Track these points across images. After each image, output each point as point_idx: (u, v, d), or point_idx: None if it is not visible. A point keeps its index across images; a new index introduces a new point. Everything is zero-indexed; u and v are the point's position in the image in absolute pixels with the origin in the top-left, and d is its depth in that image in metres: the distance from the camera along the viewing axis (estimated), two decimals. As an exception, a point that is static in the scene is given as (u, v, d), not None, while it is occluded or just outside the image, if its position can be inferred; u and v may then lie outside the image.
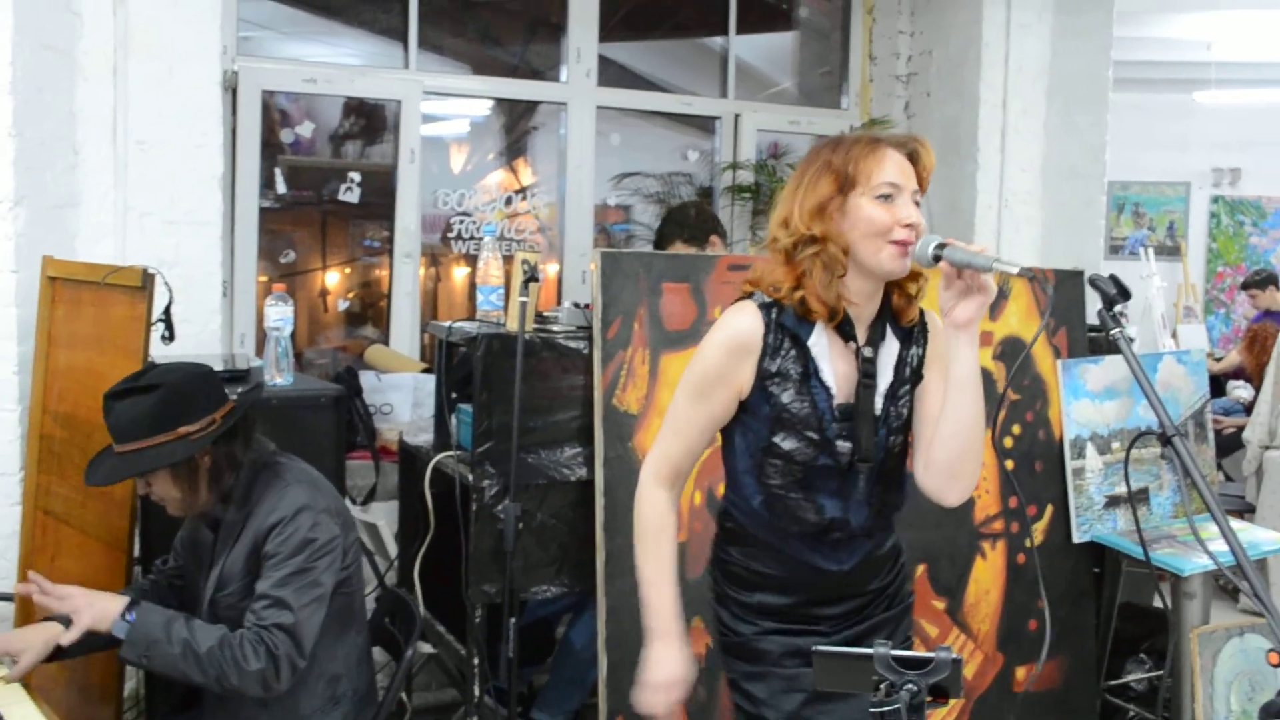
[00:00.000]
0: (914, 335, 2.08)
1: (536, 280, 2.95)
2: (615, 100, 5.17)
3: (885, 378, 2.03)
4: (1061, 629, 3.72)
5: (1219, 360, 7.81)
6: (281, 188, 4.63)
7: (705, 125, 5.54)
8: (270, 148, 4.61)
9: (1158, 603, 4.30)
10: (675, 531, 2.12)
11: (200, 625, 2.33)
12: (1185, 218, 9.02)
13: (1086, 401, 3.75)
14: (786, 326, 1.98)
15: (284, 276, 4.79)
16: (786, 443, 1.99)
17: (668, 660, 2.06)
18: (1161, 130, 8.62)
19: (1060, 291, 3.80)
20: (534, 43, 5.41)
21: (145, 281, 2.97)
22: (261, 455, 2.55)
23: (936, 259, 1.87)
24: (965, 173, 5.19)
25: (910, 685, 1.33)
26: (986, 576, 3.62)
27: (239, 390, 2.73)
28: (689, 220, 4.08)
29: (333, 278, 5.10)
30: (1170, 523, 3.85)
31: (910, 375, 2.07)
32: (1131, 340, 1.71)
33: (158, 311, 3.09)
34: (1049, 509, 3.72)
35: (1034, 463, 3.70)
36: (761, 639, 2.08)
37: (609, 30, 5.26)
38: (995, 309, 3.65)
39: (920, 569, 3.49)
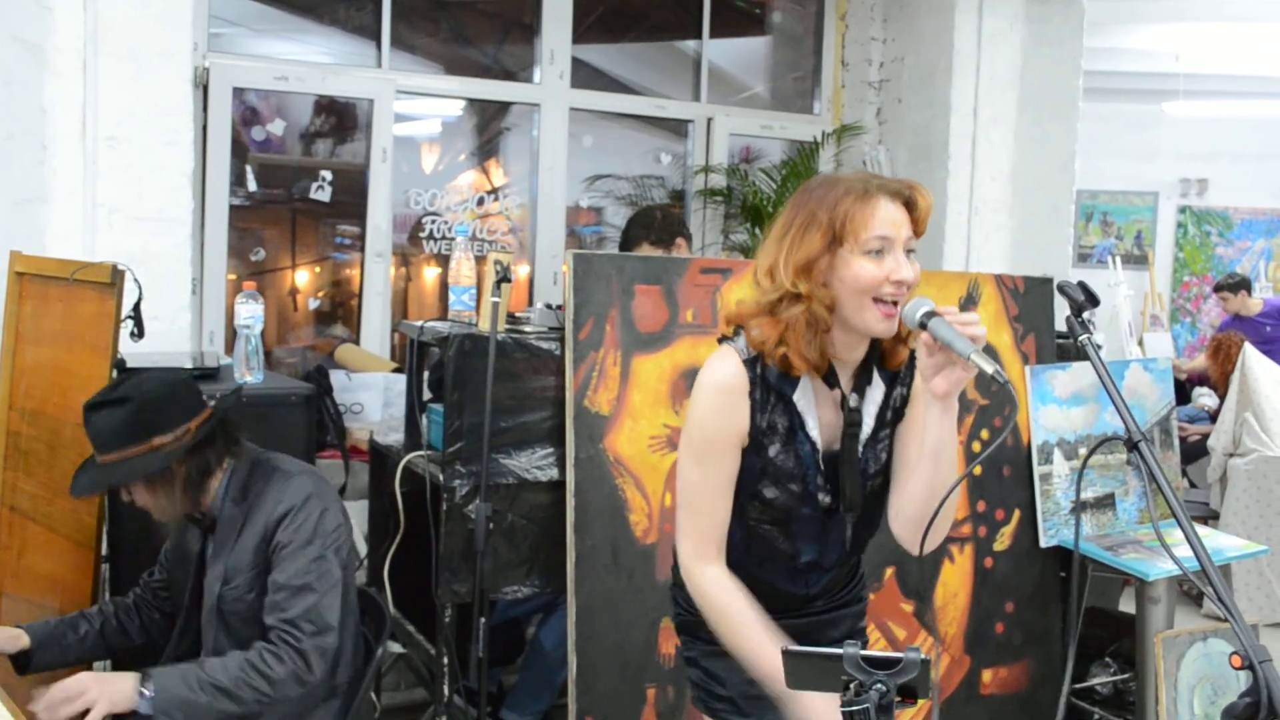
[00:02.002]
0: (900, 375, 2.05)
1: (509, 281, 2.95)
2: (588, 102, 5.18)
3: (868, 426, 2.01)
4: (1028, 632, 3.75)
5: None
6: (252, 185, 4.60)
7: (678, 129, 5.56)
8: (242, 145, 4.59)
9: (1125, 607, 4.36)
10: (748, 598, 2.01)
11: (212, 662, 2.32)
12: (1153, 227, 9.12)
13: (1054, 407, 3.78)
14: (769, 383, 1.95)
15: (254, 274, 4.77)
16: (769, 491, 1.98)
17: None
18: (1130, 140, 8.70)
19: (1029, 298, 3.83)
20: (507, 44, 5.41)
21: (115, 278, 2.95)
22: (250, 453, 2.54)
23: (922, 326, 1.80)
24: (936, 180, 5.23)
25: (879, 685, 1.34)
26: (955, 579, 3.64)
27: (215, 394, 2.71)
28: (655, 223, 4.08)
29: (303, 276, 5.07)
30: (1136, 528, 3.90)
31: (892, 418, 2.04)
32: (1099, 347, 1.73)
33: (127, 308, 3.07)
34: (1016, 513, 3.75)
35: (1001, 467, 3.73)
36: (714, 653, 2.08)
37: (583, 32, 5.27)
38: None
39: (889, 571, 3.51)
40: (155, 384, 2.42)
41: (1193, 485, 6.65)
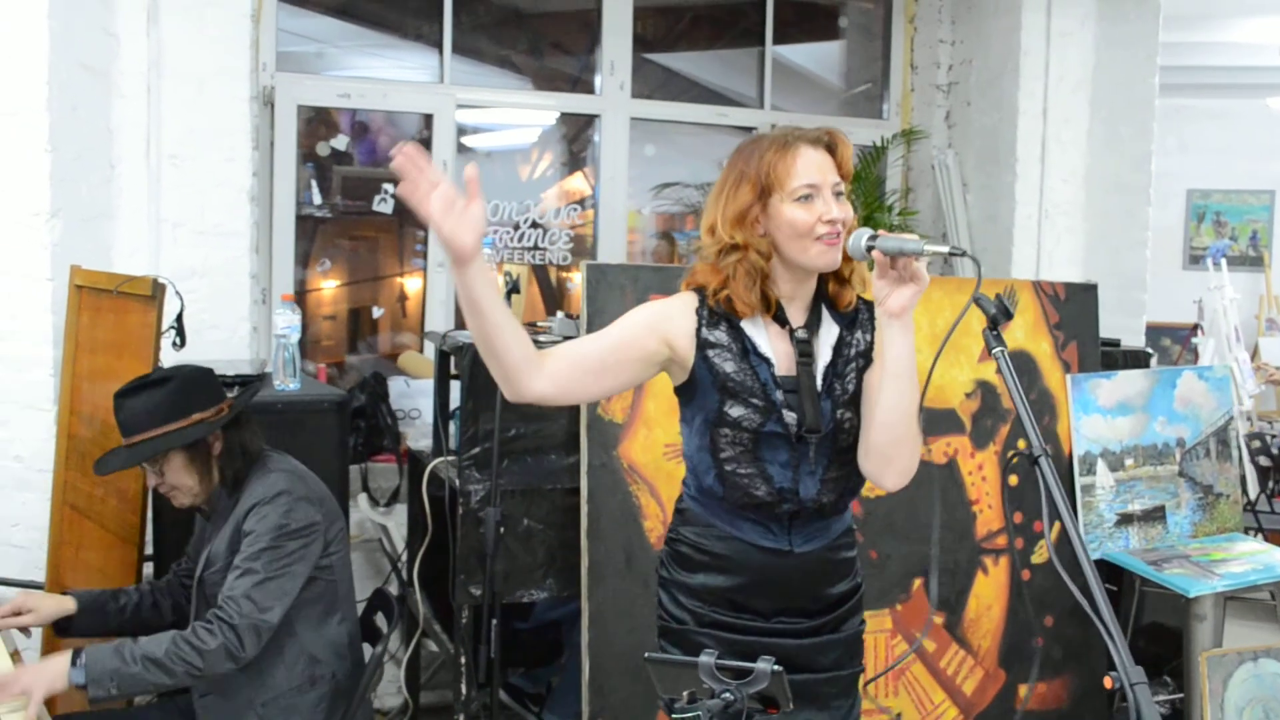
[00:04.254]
0: (858, 320, 2.13)
1: (518, 292, 3.04)
2: (649, 112, 5.23)
3: (825, 357, 2.08)
4: (1067, 648, 3.67)
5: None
6: (319, 199, 4.79)
7: (746, 131, 5.55)
8: (312, 158, 4.77)
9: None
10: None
11: (148, 638, 2.46)
12: (1269, 227, 8.70)
13: (1098, 417, 3.69)
14: (718, 312, 2.07)
15: (329, 285, 4.95)
16: (734, 410, 2.03)
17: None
18: (1242, 137, 8.33)
19: (1070, 305, 3.75)
20: (572, 54, 5.49)
21: (155, 291, 3.13)
22: (253, 449, 2.72)
23: (870, 249, 1.93)
24: (1004, 183, 5.13)
25: (727, 694, 1.36)
26: (988, 592, 3.59)
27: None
28: None
29: (376, 286, 5.24)
30: (1187, 542, 3.78)
31: (855, 355, 2.10)
32: (1010, 360, 1.72)
33: (169, 319, 3.25)
34: (1056, 525, 3.66)
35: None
36: (702, 633, 2.10)
37: (657, 41, 5.34)
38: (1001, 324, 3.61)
39: (917, 582, 3.48)
40: (191, 369, 2.69)
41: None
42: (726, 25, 5.80)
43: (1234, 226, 8.80)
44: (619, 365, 2.04)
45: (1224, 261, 7.44)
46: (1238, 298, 7.33)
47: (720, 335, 2.06)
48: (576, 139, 5.56)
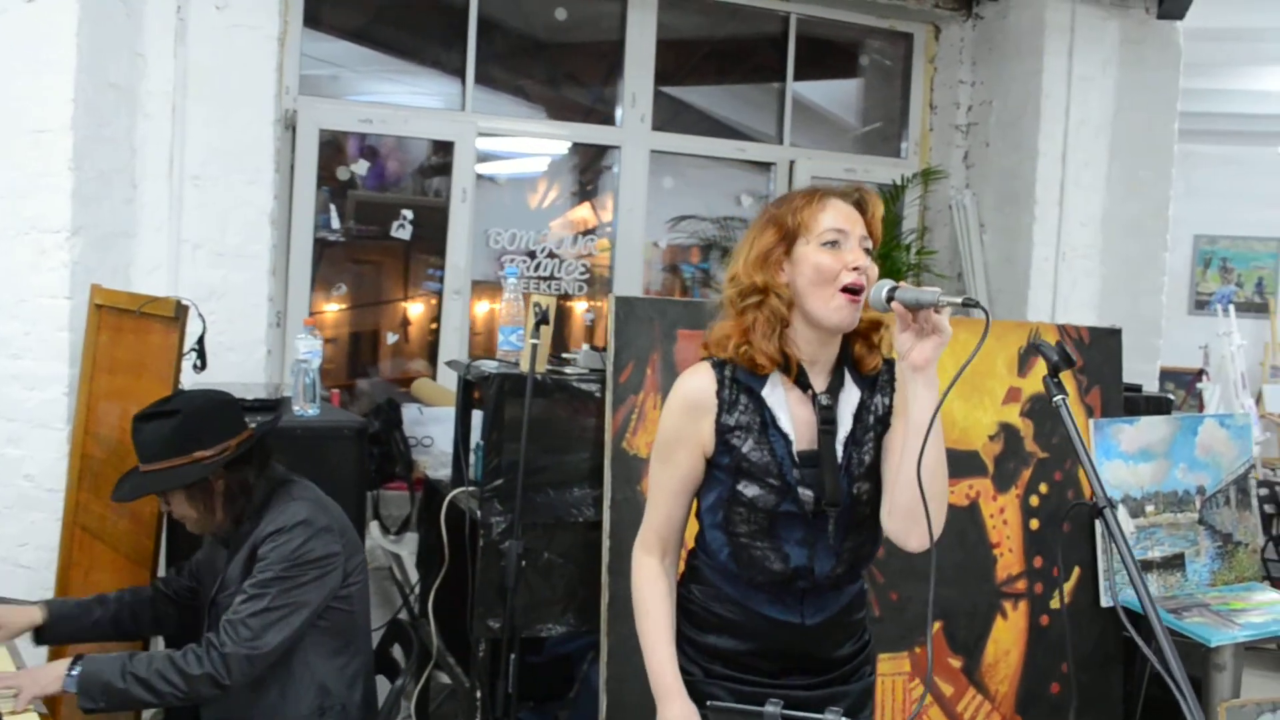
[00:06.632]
0: (878, 384, 2.08)
1: (547, 323, 3.00)
2: (669, 144, 5.23)
3: (845, 425, 2.03)
4: (1085, 694, 3.64)
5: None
6: (337, 223, 4.77)
7: (762, 168, 5.56)
8: (331, 182, 4.76)
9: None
10: (667, 596, 2.12)
11: (143, 655, 2.43)
12: (1275, 274, 8.73)
13: (1120, 462, 3.67)
14: (740, 381, 2.02)
15: (342, 310, 4.93)
16: (749, 490, 2.00)
17: (677, 713, 2.03)
18: (1250, 184, 8.37)
19: (1094, 349, 3.73)
20: (593, 85, 5.50)
21: (179, 312, 3.10)
22: (276, 475, 2.67)
23: (890, 300, 1.88)
24: (1022, 224, 5.13)
25: (792, 745, 1.33)
26: (1007, 637, 3.55)
27: (258, 419, 2.83)
28: None
29: (390, 312, 5.22)
30: (1206, 590, 3.75)
31: (874, 423, 2.05)
32: (1070, 410, 1.69)
33: (191, 341, 3.22)
34: (1075, 571, 3.65)
35: (1061, 523, 3.63)
36: (710, 684, 2.07)
37: (676, 74, 5.34)
38: (1025, 365, 3.61)
39: (937, 626, 3.44)
40: (203, 400, 2.61)
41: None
42: (740, 61, 5.81)
43: (1240, 273, 8.82)
44: (693, 489, 2.10)
45: (1231, 308, 7.45)
46: (1245, 344, 7.34)
47: (739, 416, 2.01)
48: (587, 170, 5.56)
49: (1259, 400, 8.11)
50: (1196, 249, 8.81)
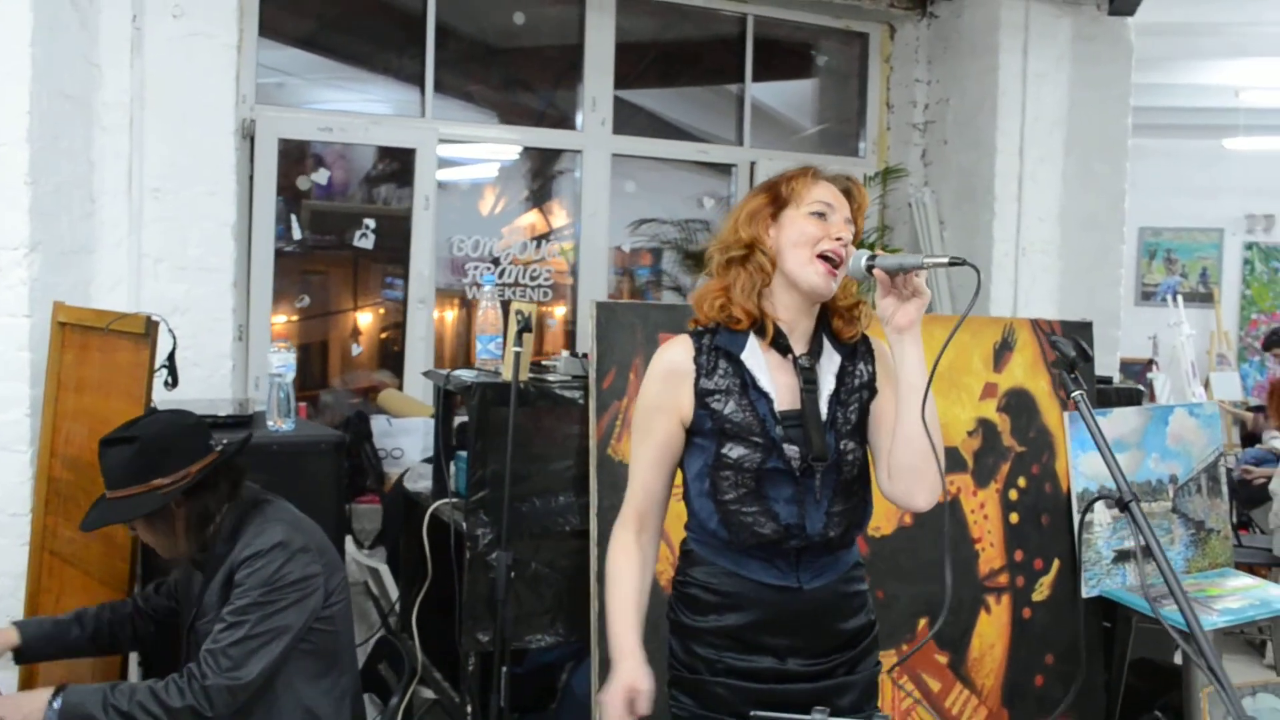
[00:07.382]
0: (857, 351, 2.13)
1: (530, 331, 2.96)
2: (631, 148, 5.21)
3: (828, 385, 2.07)
4: (1068, 685, 3.66)
5: (1253, 409, 7.66)
6: (298, 233, 4.69)
7: (722, 171, 5.56)
8: (290, 192, 4.68)
9: (1178, 659, 4.23)
10: (638, 568, 2.11)
11: (125, 686, 2.36)
12: (1218, 264, 8.92)
13: (1095, 454, 3.70)
14: (719, 347, 2.06)
15: (300, 320, 4.84)
16: (734, 451, 2.01)
17: (628, 670, 2.02)
18: (1192, 176, 8.55)
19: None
20: (552, 90, 5.46)
21: (149, 329, 3.02)
22: (250, 495, 2.59)
23: (870, 269, 1.96)
24: (981, 221, 5.18)
25: (842, 753, 1.31)
26: (991, 631, 3.57)
27: (224, 440, 2.75)
28: None
29: (349, 322, 5.14)
30: (1181, 578, 3.78)
31: (859, 386, 2.10)
32: (1090, 405, 1.69)
33: (162, 358, 3.14)
34: (1055, 563, 3.67)
35: (1040, 516, 3.66)
36: (715, 682, 2.05)
37: (630, 78, 5.32)
38: (1000, 360, 3.63)
39: (922, 622, 3.45)
40: (162, 425, 2.51)
41: (1261, 531, 6.44)
42: (693, 63, 5.81)
43: (1184, 264, 9.00)
44: (672, 461, 2.11)
45: (1180, 298, 7.59)
46: (1194, 334, 7.48)
47: (718, 380, 2.05)
48: (538, 175, 5.52)
49: (1206, 387, 8.26)
50: (1142, 241, 8.97)
